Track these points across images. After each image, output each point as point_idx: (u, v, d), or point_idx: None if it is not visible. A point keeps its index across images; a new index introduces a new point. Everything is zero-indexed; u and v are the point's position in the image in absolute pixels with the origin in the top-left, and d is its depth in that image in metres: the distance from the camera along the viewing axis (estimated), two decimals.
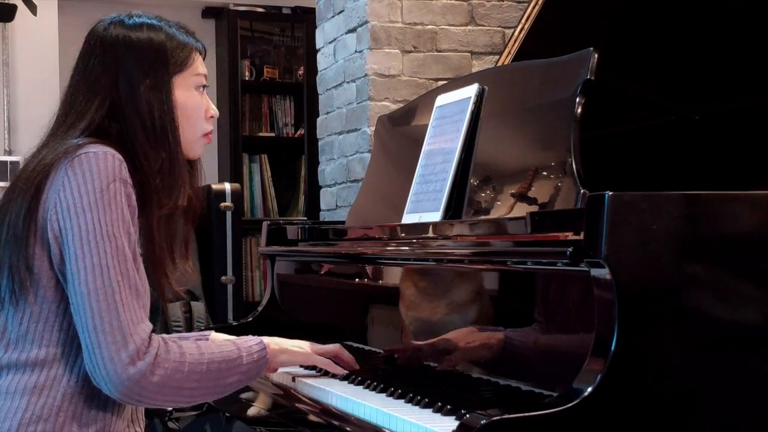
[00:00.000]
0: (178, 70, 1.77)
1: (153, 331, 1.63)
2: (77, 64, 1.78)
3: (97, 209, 1.59)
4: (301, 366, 2.05)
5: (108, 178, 1.61)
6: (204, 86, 1.82)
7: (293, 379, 1.99)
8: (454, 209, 2.00)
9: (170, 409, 4.03)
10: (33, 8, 4.85)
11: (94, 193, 1.60)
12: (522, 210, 1.81)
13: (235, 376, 1.71)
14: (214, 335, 1.97)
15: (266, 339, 1.82)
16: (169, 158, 1.74)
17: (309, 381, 1.96)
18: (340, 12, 3.71)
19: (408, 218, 2.11)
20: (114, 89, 1.73)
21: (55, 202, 1.61)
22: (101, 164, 1.61)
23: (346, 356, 1.97)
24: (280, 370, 2.00)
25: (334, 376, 1.98)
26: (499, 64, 2.57)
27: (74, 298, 1.59)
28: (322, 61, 3.92)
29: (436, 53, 3.55)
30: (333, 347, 1.97)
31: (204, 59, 1.84)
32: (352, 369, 1.97)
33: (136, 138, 1.71)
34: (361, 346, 2.15)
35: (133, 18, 1.78)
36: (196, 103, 1.80)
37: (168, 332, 4.26)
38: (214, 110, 1.84)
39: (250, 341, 1.77)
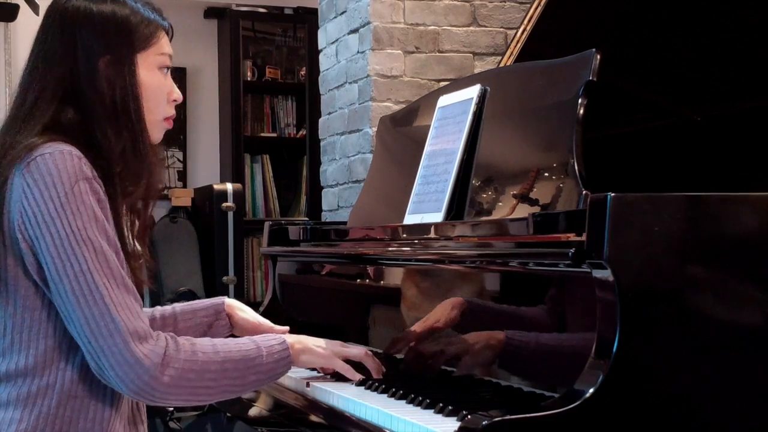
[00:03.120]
0: (141, 47, 1.67)
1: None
2: (35, 40, 1.69)
3: (65, 215, 1.53)
4: (313, 369, 2.00)
5: (71, 180, 1.54)
6: (168, 67, 1.71)
7: (307, 384, 1.94)
8: (456, 210, 1.99)
9: (171, 408, 4.04)
10: (35, 8, 4.84)
11: (59, 198, 1.53)
12: (524, 211, 1.81)
13: (255, 376, 1.66)
14: (230, 301, 1.95)
15: (289, 338, 1.76)
16: (132, 140, 1.64)
17: (316, 383, 1.96)
18: (343, 12, 3.71)
19: (410, 219, 2.11)
20: (72, 65, 1.64)
21: (20, 212, 1.54)
22: (60, 165, 1.54)
23: (370, 364, 1.89)
24: (316, 383, 1.96)
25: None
26: (502, 65, 2.57)
27: (63, 307, 1.54)
28: (324, 61, 3.92)
29: (438, 54, 3.54)
30: (359, 353, 1.89)
31: (171, 39, 1.74)
32: (377, 376, 1.88)
33: (94, 119, 1.62)
34: (362, 346, 2.14)
35: None
36: (158, 84, 1.69)
37: None
38: (177, 94, 1.73)
39: (271, 340, 1.72)
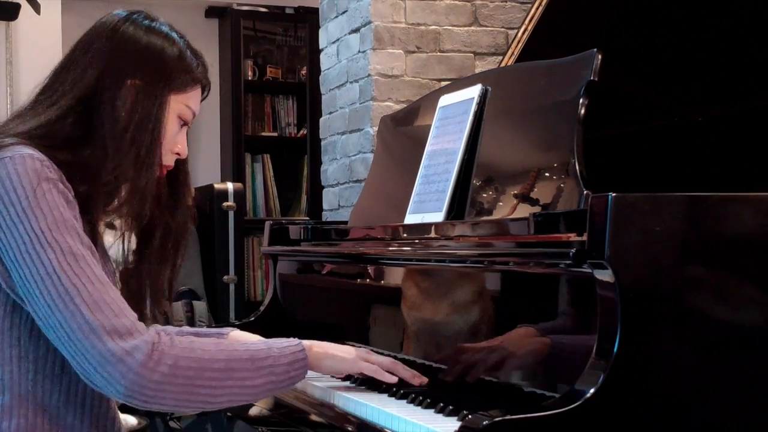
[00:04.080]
0: (175, 89, 1.66)
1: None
2: (79, 42, 1.67)
3: (27, 218, 1.48)
4: (333, 376, 1.91)
5: (32, 183, 1.49)
6: (186, 123, 1.69)
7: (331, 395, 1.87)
8: (456, 210, 1.99)
9: None
10: (36, 7, 4.84)
11: (19, 202, 1.48)
12: (525, 211, 1.80)
13: (264, 378, 1.56)
14: (236, 333, 1.88)
15: (308, 342, 1.67)
16: (137, 172, 1.60)
17: (316, 383, 1.95)
18: (344, 12, 3.71)
19: (410, 218, 2.11)
20: (99, 78, 1.62)
21: None
22: (20, 169, 1.49)
23: (401, 370, 1.76)
24: (316, 382, 1.90)
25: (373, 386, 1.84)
26: (503, 64, 2.57)
27: (40, 312, 1.48)
28: (326, 61, 3.92)
29: (439, 54, 3.55)
30: (385, 359, 1.77)
31: (203, 98, 1.74)
32: (411, 383, 1.76)
33: (98, 136, 1.59)
34: (362, 346, 2.14)
35: (154, 22, 1.68)
36: (171, 130, 1.66)
37: None
38: (182, 149, 1.70)
39: (285, 341, 1.63)
